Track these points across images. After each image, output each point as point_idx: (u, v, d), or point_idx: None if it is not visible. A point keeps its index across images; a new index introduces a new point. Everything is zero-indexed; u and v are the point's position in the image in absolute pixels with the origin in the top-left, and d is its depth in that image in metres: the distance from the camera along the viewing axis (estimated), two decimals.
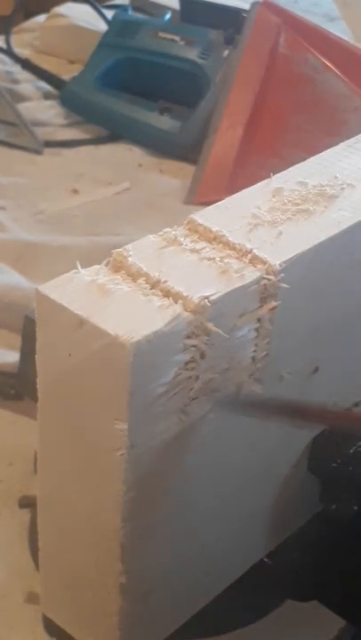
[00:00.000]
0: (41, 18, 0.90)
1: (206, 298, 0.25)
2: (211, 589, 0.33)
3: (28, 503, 0.42)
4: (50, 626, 0.36)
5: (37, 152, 0.73)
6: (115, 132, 0.75)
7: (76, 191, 0.70)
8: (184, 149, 0.73)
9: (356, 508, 0.33)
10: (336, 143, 0.34)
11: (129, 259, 0.26)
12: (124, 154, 0.74)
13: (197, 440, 0.27)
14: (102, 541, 0.27)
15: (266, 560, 0.36)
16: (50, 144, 0.74)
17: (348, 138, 0.35)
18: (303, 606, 0.37)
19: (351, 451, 0.34)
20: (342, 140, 0.35)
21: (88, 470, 0.26)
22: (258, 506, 0.33)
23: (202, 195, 0.68)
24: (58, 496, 0.28)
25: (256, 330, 0.27)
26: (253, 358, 0.28)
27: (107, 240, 0.63)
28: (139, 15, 0.84)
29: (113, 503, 0.26)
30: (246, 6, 0.73)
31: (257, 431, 0.30)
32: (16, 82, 0.79)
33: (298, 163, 0.32)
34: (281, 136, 0.69)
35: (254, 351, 0.28)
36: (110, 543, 0.27)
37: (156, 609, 0.30)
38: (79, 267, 0.26)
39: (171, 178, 0.72)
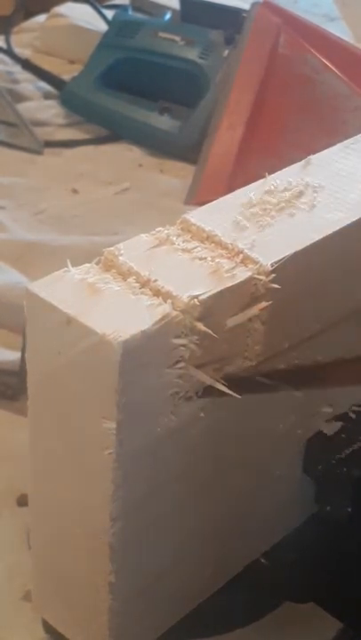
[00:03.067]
0: (41, 18, 0.90)
1: (196, 297, 0.25)
2: (204, 589, 0.33)
3: (26, 501, 0.42)
4: (48, 624, 0.36)
5: (37, 152, 0.73)
6: (115, 132, 0.75)
7: (75, 191, 0.70)
8: (184, 149, 0.73)
9: (350, 509, 0.33)
10: (336, 143, 0.34)
11: (120, 258, 0.26)
12: (124, 154, 0.74)
13: (188, 440, 0.27)
14: (92, 540, 0.27)
15: (263, 561, 0.36)
16: (50, 144, 0.74)
17: (348, 138, 0.35)
18: (302, 607, 0.37)
19: (345, 452, 0.34)
20: (342, 141, 0.34)
21: (77, 469, 0.26)
22: (251, 506, 0.33)
23: (202, 195, 0.67)
24: (48, 494, 0.28)
25: (248, 330, 0.27)
26: (245, 358, 0.28)
27: (106, 240, 0.63)
28: (139, 15, 0.84)
29: (102, 502, 0.26)
30: (246, 6, 0.73)
31: (249, 431, 0.30)
32: (16, 82, 0.80)
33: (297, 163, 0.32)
34: (281, 136, 0.69)
35: (246, 351, 0.28)
36: (99, 542, 0.27)
37: (147, 608, 0.30)
38: (70, 265, 0.26)
39: (171, 178, 0.72)
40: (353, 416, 0.35)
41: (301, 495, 0.35)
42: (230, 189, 0.31)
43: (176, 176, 0.72)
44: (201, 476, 0.29)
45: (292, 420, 0.32)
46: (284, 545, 0.36)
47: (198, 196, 0.68)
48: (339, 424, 0.34)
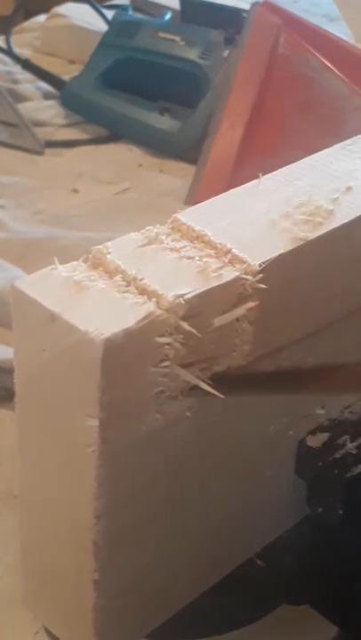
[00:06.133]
0: (41, 18, 0.90)
1: (181, 296, 0.24)
2: (192, 589, 0.33)
3: None
4: None
5: (38, 153, 0.73)
6: (115, 132, 0.76)
7: (76, 191, 0.70)
8: (184, 149, 0.73)
9: (341, 512, 0.33)
10: (336, 143, 0.34)
11: (108, 256, 0.26)
12: (124, 154, 0.75)
13: (174, 439, 0.27)
14: (77, 538, 0.27)
15: (259, 562, 0.36)
16: (50, 144, 0.74)
17: (347, 138, 0.35)
18: (302, 607, 0.36)
19: (337, 454, 0.34)
20: (342, 141, 0.34)
21: (63, 466, 0.26)
22: (241, 506, 0.33)
23: (202, 195, 0.67)
24: (36, 491, 0.28)
25: (235, 330, 0.27)
26: (234, 359, 0.28)
27: (106, 239, 0.62)
28: (139, 15, 0.84)
29: (86, 500, 0.26)
30: (246, 6, 0.73)
31: (238, 432, 0.30)
32: (16, 82, 0.80)
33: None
34: (281, 136, 0.69)
35: (234, 351, 0.28)
36: (84, 540, 0.27)
37: (133, 607, 0.30)
38: (57, 262, 0.26)
39: (171, 178, 0.72)
40: (346, 417, 0.35)
41: (295, 496, 0.34)
42: (230, 189, 0.30)
43: (176, 176, 0.72)
44: (188, 476, 0.29)
45: (284, 421, 0.32)
46: (279, 546, 0.36)
47: (198, 196, 0.67)
48: (325, 436, 0.34)
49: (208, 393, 0.26)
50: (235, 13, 0.74)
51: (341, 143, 0.34)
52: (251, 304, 0.26)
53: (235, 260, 0.26)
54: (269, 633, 0.37)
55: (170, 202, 0.69)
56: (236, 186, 0.31)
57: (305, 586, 0.36)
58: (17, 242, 0.63)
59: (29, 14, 0.95)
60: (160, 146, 0.74)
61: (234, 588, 0.35)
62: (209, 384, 0.26)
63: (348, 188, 0.31)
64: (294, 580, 0.36)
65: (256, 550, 0.35)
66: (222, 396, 0.26)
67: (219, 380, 0.27)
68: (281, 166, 0.32)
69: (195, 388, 0.26)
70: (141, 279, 0.25)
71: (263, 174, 0.31)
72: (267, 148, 0.68)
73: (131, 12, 0.83)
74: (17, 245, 0.63)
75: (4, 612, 0.38)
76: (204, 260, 0.26)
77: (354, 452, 0.34)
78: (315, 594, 0.36)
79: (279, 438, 0.32)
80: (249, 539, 0.34)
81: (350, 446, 0.34)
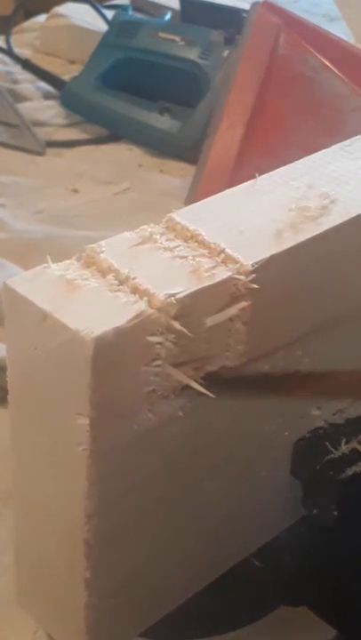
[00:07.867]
0: (41, 18, 0.91)
1: (172, 296, 0.24)
2: (188, 588, 0.33)
3: None
4: None
5: (39, 154, 0.73)
6: (115, 132, 0.76)
7: (76, 191, 0.70)
8: (184, 149, 0.73)
9: (336, 513, 0.33)
10: (335, 143, 0.34)
11: (101, 255, 0.26)
12: (124, 154, 0.75)
13: (167, 439, 0.27)
14: (68, 536, 0.27)
15: (256, 562, 0.35)
16: (50, 144, 0.74)
17: (347, 138, 0.35)
18: (300, 608, 0.36)
19: (332, 455, 0.34)
20: (341, 140, 0.34)
21: (54, 464, 0.26)
22: (235, 506, 0.33)
23: (202, 195, 0.67)
24: (29, 489, 0.28)
25: (229, 330, 0.27)
26: (227, 359, 0.28)
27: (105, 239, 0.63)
28: (139, 15, 0.84)
29: (77, 498, 0.26)
30: (246, 6, 0.73)
31: (232, 432, 0.30)
32: (16, 82, 0.80)
33: None
34: (281, 136, 0.69)
35: (228, 351, 0.27)
36: (75, 538, 0.27)
37: (125, 606, 0.30)
38: (50, 261, 0.26)
39: (171, 178, 0.72)
40: (341, 419, 0.35)
41: (291, 496, 0.34)
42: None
43: (176, 176, 0.72)
44: (181, 476, 0.29)
45: (279, 421, 0.32)
46: (276, 547, 0.36)
47: (198, 196, 0.67)
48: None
49: (201, 393, 0.26)
50: (235, 13, 0.74)
51: (340, 144, 0.34)
52: (244, 304, 0.26)
53: (228, 260, 0.26)
54: (269, 633, 0.37)
55: (170, 202, 0.69)
56: (236, 185, 0.31)
57: (302, 587, 0.36)
58: (17, 241, 0.63)
59: (29, 14, 0.95)
60: (160, 146, 0.74)
61: (232, 588, 0.35)
62: (201, 384, 0.26)
63: (343, 190, 0.31)
64: (292, 581, 0.36)
65: (251, 551, 0.35)
66: (214, 397, 0.26)
67: (212, 381, 0.27)
68: (280, 166, 0.32)
69: (187, 387, 0.26)
70: (134, 278, 0.25)
71: (263, 174, 0.31)
72: (267, 148, 0.68)
73: (131, 12, 0.83)
74: (17, 245, 0.63)
75: (3, 611, 0.38)
76: (198, 259, 0.26)
77: (348, 453, 0.33)
78: (312, 595, 0.36)
79: (274, 439, 0.32)
80: (244, 539, 0.34)
81: (345, 448, 0.34)
